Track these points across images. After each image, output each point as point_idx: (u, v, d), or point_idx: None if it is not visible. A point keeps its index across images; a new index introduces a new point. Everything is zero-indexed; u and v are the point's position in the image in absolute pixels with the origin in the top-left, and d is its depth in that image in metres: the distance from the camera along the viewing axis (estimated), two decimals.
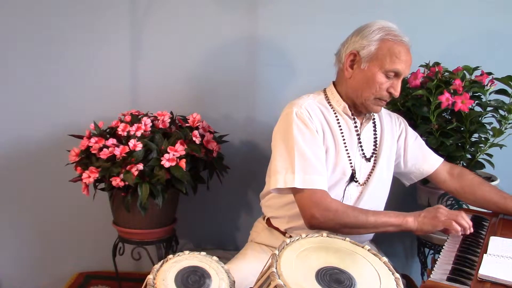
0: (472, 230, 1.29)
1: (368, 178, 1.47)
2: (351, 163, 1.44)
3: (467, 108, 1.59)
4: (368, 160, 1.47)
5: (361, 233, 1.34)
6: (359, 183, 1.45)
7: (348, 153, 1.43)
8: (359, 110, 1.45)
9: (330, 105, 1.46)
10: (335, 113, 1.45)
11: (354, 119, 1.46)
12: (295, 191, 1.34)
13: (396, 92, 1.39)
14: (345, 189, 1.44)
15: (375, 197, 1.48)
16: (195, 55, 2.06)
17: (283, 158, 1.35)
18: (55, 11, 2.04)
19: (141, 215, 1.73)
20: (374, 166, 1.48)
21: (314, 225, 1.31)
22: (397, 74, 1.37)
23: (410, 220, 1.30)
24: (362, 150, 1.46)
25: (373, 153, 1.49)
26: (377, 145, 1.50)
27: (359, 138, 1.46)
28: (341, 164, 1.42)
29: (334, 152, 1.42)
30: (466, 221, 1.28)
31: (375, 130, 1.51)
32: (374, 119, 1.51)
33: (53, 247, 2.23)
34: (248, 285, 1.13)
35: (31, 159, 2.14)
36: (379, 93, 1.38)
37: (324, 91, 1.50)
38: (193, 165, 1.82)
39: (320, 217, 1.29)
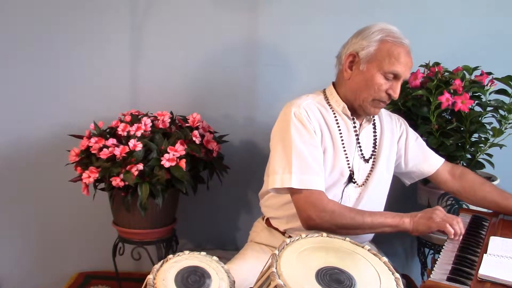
0: (458, 237, 1.28)
1: (367, 179, 1.47)
2: (349, 164, 1.43)
3: (467, 108, 1.59)
4: (367, 161, 1.47)
5: (358, 233, 1.34)
6: (357, 184, 1.45)
7: (346, 154, 1.43)
8: (357, 112, 1.45)
9: (330, 105, 1.46)
10: (334, 114, 1.45)
11: (353, 119, 1.46)
12: (292, 191, 1.34)
13: (395, 94, 1.38)
14: (343, 190, 1.43)
15: (374, 198, 1.48)
16: (195, 55, 2.06)
17: (280, 158, 1.35)
18: (55, 11, 2.04)
19: (141, 215, 1.73)
20: (373, 167, 1.48)
21: (311, 226, 1.31)
22: (396, 76, 1.37)
23: (407, 221, 1.30)
24: (361, 151, 1.46)
25: (372, 154, 1.49)
26: (377, 146, 1.50)
27: (357, 139, 1.46)
28: (339, 165, 1.42)
29: (332, 153, 1.42)
30: (459, 226, 1.28)
31: (374, 131, 1.50)
32: (374, 120, 1.51)
33: (53, 247, 2.23)
34: (248, 285, 1.13)
35: (31, 159, 2.14)
36: (377, 94, 1.38)
37: (324, 91, 1.50)
38: (193, 165, 1.82)
39: (317, 218, 1.29)
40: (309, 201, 1.31)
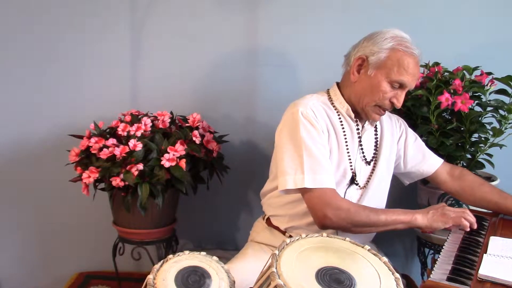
0: (475, 226, 1.32)
1: (368, 181, 1.47)
2: (351, 165, 1.44)
3: (467, 108, 1.59)
4: (368, 163, 1.47)
5: (372, 231, 1.35)
6: (359, 186, 1.46)
7: (349, 155, 1.43)
8: (360, 115, 1.46)
9: (334, 106, 1.46)
10: (338, 115, 1.45)
11: (356, 121, 1.46)
12: (304, 191, 1.33)
13: (398, 103, 1.39)
14: (345, 192, 1.44)
15: (375, 199, 1.48)
16: (195, 55, 2.05)
17: (291, 159, 1.34)
18: (55, 11, 2.04)
19: (141, 215, 1.73)
20: (374, 169, 1.48)
21: (326, 225, 1.30)
22: (402, 86, 1.37)
23: (419, 217, 1.31)
24: (363, 153, 1.46)
25: (373, 156, 1.49)
26: (377, 148, 1.50)
27: (360, 141, 1.46)
28: (343, 165, 1.42)
29: (337, 154, 1.42)
30: (471, 216, 1.32)
31: (376, 134, 1.51)
32: (375, 122, 1.51)
33: (53, 247, 2.23)
34: (248, 285, 1.13)
35: (31, 159, 2.14)
36: (381, 101, 1.38)
37: (328, 92, 1.50)
38: (193, 165, 1.82)
39: (333, 217, 1.28)
40: (323, 200, 1.30)
